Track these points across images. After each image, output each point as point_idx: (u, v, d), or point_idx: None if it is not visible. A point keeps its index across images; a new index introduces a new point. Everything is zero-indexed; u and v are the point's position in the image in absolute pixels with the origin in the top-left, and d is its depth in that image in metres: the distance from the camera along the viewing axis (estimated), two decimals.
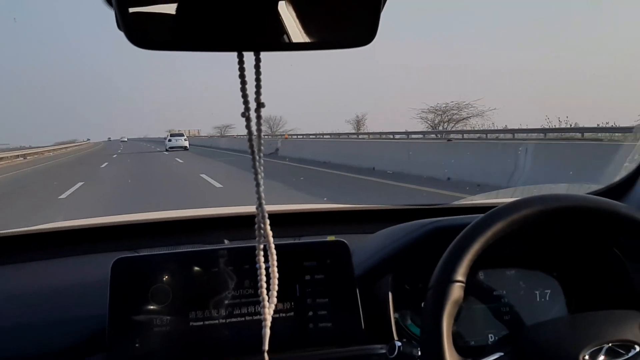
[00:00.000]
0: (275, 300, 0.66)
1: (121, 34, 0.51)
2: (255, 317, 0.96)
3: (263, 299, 0.66)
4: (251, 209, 1.50)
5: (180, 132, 39.59)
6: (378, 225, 1.28)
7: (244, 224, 1.41)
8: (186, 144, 36.37)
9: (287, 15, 0.56)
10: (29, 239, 1.35)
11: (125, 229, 1.41)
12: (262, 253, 0.65)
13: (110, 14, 0.52)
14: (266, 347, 0.63)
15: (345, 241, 1.04)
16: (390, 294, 1.02)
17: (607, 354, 0.79)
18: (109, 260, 0.98)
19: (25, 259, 1.26)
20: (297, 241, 1.07)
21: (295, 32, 0.57)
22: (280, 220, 1.04)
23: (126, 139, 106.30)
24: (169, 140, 36.90)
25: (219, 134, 71.31)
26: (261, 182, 0.63)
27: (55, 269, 1.23)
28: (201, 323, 0.94)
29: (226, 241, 1.18)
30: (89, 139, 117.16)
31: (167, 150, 33.84)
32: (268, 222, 0.64)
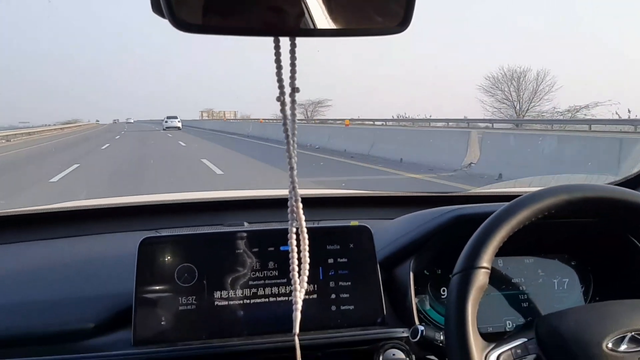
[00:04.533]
0: (305, 284, 0.67)
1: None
2: (279, 299, 0.98)
3: (294, 282, 0.66)
4: (269, 192, 1.53)
5: (174, 115, 49.62)
6: (397, 211, 1.29)
7: (262, 207, 1.43)
8: (179, 124, 46.84)
9: (323, 2, 0.57)
10: (50, 216, 1.38)
11: (147, 209, 1.44)
12: (294, 236, 0.66)
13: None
14: (297, 330, 0.64)
15: (369, 226, 1.05)
16: (411, 279, 1.04)
17: (630, 342, 0.79)
18: (132, 239, 1.00)
19: (47, 236, 1.29)
20: (320, 225, 1.09)
21: (331, 18, 0.58)
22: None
23: (132, 121, 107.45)
24: (165, 122, 47.49)
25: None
26: (295, 165, 0.64)
27: (78, 248, 1.26)
28: (226, 303, 0.96)
29: (246, 223, 1.20)
30: (98, 120, 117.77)
31: (164, 130, 43.44)
32: (301, 205, 0.65)
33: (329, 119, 52.16)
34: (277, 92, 0.61)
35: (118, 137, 31.96)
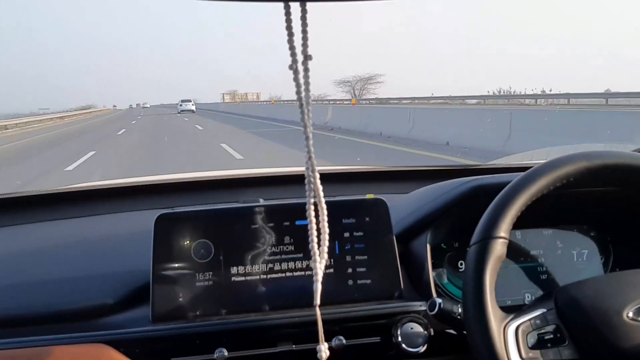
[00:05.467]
0: (326, 255, 0.66)
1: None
2: (295, 273, 0.98)
3: (314, 254, 0.66)
4: (284, 169, 1.52)
5: (188, 99, 51.93)
6: (412, 185, 1.28)
7: (278, 184, 1.43)
8: (193, 108, 49.52)
9: None
10: (67, 196, 1.39)
11: (163, 187, 1.45)
12: (312, 208, 0.65)
13: None
14: (318, 301, 0.64)
15: (384, 199, 1.04)
16: (429, 252, 1.03)
17: None
18: (148, 217, 1.00)
19: (64, 216, 1.30)
20: (335, 199, 1.08)
21: None
22: None
23: (149, 105, 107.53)
24: (180, 105, 50.36)
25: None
26: (310, 135, 0.62)
27: (95, 226, 1.27)
28: (242, 278, 0.96)
29: (261, 200, 1.20)
30: (115, 106, 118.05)
31: (179, 113, 46.33)
32: (318, 177, 0.64)
33: (382, 98, 45.56)
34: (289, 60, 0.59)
35: (134, 121, 33.67)
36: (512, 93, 34.58)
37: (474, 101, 32.19)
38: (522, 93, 32.98)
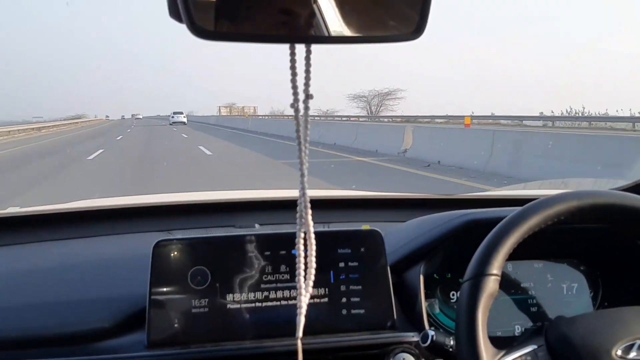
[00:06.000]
0: (311, 289, 0.67)
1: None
2: (290, 302, 0.98)
3: (300, 287, 0.67)
4: (280, 193, 1.54)
5: (180, 111, 53.50)
6: (407, 213, 1.29)
7: (273, 208, 1.44)
8: (185, 120, 51.16)
9: (337, 9, 0.57)
10: (64, 217, 1.39)
11: (160, 210, 1.45)
12: (302, 242, 0.67)
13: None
14: (300, 333, 0.65)
15: (379, 230, 1.05)
16: (422, 283, 1.04)
17: (639, 349, 0.79)
18: (145, 240, 1.01)
19: (61, 236, 1.30)
20: (331, 229, 1.09)
21: (345, 25, 0.59)
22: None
23: (141, 116, 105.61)
24: (172, 117, 51.48)
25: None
26: (306, 172, 0.64)
27: (91, 248, 1.27)
28: (238, 306, 0.97)
29: (257, 225, 1.21)
30: (107, 116, 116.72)
31: (170, 124, 47.61)
32: (310, 211, 0.65)
33: (397, 116, 43.53)
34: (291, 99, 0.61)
35: (129, 130, 35.33)
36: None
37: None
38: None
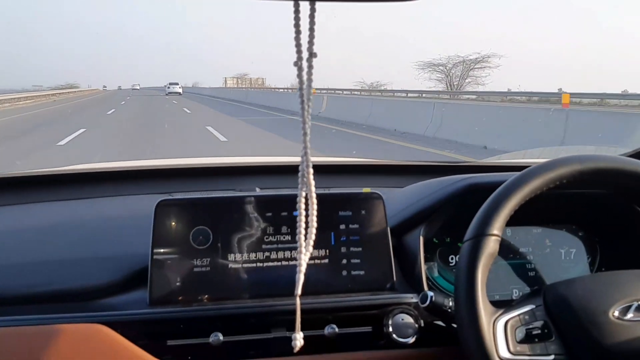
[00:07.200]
0: (311, 248, 0.68)
1: None
2: (291, 263, 1.00)
3: (300, 246, 0.68)
4: (280, 159, 1.54)
5: (175, 82, 55.82)
6: (408, 179, 1.30)
7: (274, 173, 1.45)
8: (180, 90, 53.66)
9: None
10: (67, 178, 1.40)
11: (161, 173, 1.46)
12: (303, 201, 0.67)
13: None
14: (299, 291, 0.66)
15: (380, 193, 1.06)
16: (421, 246, 1.05)
17: (636, 311, 0.81)
18: (147, 201, 1.02)
19: (64, 197, 1.31)
20: (332, 191, 1.10)
21: None
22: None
23: (138, 87, 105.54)
24: (168, 88, 54.02)
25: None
26: (308, 131, 0.64)
27: (94, 209, 1.28)
28: (239, 266, 0.98)
29: (257, 189, 1.21)
30: (105, 86, 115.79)
31: (166, 95, 49.51)
32: (312, 171, 0.66)
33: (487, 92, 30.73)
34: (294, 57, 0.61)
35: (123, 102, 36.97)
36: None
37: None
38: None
